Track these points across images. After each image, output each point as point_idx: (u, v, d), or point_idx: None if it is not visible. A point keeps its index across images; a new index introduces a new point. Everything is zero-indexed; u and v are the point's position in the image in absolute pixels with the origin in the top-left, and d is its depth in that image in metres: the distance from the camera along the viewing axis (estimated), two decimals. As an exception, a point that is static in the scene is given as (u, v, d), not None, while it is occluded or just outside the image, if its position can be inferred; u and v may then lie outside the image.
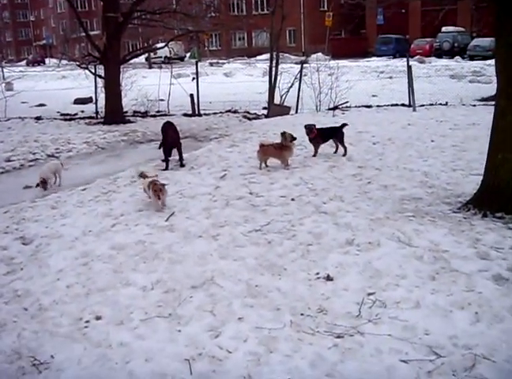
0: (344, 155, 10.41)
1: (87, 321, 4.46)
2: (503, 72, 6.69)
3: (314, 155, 10.42)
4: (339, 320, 4.28)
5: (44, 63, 68.86)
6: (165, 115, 19.47)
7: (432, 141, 11.58)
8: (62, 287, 5.11)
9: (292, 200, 7.64)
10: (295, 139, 9.76)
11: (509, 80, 6.55)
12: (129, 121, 18.13)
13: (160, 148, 10.76)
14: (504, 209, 6.62)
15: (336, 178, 8.74)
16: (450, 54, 44.29)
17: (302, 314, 4.40)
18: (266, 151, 9.69)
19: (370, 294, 4.71)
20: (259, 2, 61.99)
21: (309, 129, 10.42)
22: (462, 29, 47.28)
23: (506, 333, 4.02)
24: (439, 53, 45.33)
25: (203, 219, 6.92)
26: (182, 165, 10.45)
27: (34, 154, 13.10)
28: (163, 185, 7.56)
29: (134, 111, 20.09)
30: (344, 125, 10.70)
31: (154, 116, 19.50)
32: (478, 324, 4.15)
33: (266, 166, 9.77)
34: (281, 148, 9.67)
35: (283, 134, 9.72)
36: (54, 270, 5.53)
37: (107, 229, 6.78)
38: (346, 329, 4.14)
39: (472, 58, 40.49)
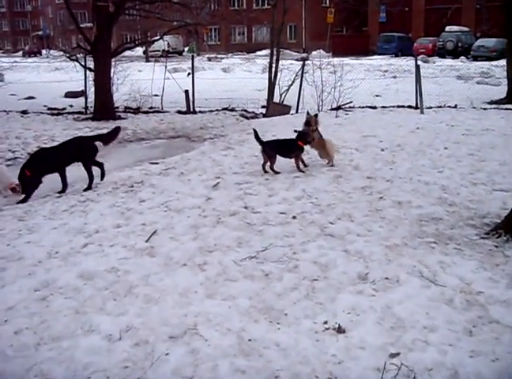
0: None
1: (30, 388, 3.46)
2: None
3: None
4: (356, 397, 3.30)
5: (40, 54, 67.71)
6: (158, 112, 18.50)
7: (446, 149, 10.58)
8: (9, 332, 4.09)
9: (294, 218, 6.61)
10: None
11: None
12: (120, 118, 17.15)
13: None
14: (542, 237, 5.65)
15: (344, 191, 7.73)
16: (454, 53, 43.50)
17: (307, 386, 3.42)
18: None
19: (393, 355, 3.71)
20: (260, -4, 61.03)
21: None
22: (466, 29, 46.37)
23: None
24: (442, 52, 44.44)
25: (189, 241, 5.90)
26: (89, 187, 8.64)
27: (13, 152, 12.12)
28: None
29: (126, 107, 19.04)
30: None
31: (146, 112, 18.49)
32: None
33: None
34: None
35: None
36: (3, 307, 4.50)
37: (76, 250, 5.76)
38: (366, 414, 3.16)
39: (475, 59, 39.68)
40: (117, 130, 9.34)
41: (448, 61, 36.28)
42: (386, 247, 5.60)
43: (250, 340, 3.92)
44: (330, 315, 4.27)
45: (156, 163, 10.13)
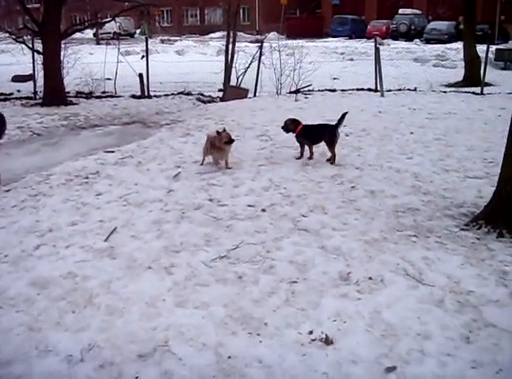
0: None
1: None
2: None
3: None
4: (355, 425, 2.93)
5: (-16, 36, 65.21)
6: (111, 96, 17.73)
7: (411, 133, 10.34)
8: (-49, 356, 3.59)
9: (263, 211, 6.20)
10: (231, 142, 8.08)
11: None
12: (72, 103, 16.30)
13: None
14: (526, 229, 5.40)
15: (313, 180, 7.35)
16: (407, 36, 43.69)
17: (299, 413, 3.03)
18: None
19: (389, 369, 3.37)
20: (213, -23, 60.15)
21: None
22: (419, 12, 46.64)
23: None
24: (396, 35, 44.57)
25: (153, 240, 5.42)
26: None
27: (-44, 141, 11.30)
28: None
29: (77, 92, 18.16)
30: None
31: (99, 97, 17.67)
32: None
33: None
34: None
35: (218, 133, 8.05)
36: None
37: (28, 253, 5.21)
38: None
39: (428, 41, 39.98)
40: (2, 118, 8.24)
41: (402, 44, 36.30)
42: (365, 242, 5.26)
43: (229, 357, 3.50)
44: (315, 323, 3.88)
45: (112, 152, 9.54)
